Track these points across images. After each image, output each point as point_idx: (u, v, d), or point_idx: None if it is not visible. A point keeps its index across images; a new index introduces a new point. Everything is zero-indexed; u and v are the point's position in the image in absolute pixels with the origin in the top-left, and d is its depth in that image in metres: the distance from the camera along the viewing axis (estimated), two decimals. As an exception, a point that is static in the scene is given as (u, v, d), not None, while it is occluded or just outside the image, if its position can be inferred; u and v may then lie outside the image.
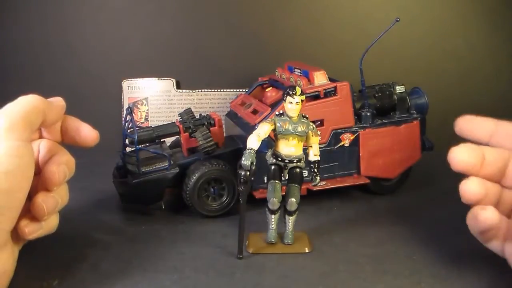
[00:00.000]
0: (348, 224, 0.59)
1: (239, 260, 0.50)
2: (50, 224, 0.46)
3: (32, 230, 0.44)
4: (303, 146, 0.52)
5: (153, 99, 0.86)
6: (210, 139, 0.61)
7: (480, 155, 0.45)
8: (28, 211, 0.44)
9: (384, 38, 0.60)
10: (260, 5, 0.91)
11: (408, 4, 0.92)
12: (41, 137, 0.50)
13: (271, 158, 0.52)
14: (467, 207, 0.45)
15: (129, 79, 0.87)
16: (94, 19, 0.90)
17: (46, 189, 0.46)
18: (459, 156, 0.45)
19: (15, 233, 0.44)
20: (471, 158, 0.45)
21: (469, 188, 0.44)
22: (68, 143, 0.50)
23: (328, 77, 0.63)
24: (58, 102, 0.48)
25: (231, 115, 0.70)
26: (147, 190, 0.59)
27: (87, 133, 0.49)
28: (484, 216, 0.43)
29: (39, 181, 0.46)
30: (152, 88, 0.87)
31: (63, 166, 0.46)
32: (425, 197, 0.67)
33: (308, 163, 0.53)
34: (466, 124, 0.49)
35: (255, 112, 0.64)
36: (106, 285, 0.45)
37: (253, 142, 0.49)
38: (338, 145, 0.62)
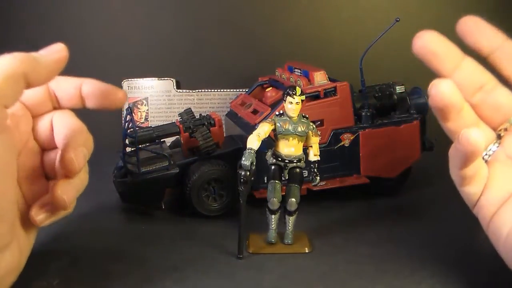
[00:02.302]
0: (348, 224, 0.59)
1: (239, 260, 0.50)
2: None
3: (42, 219, 0.41)
4: (303, 146, 0.52)
5: (153, 99, 0.86)
6: (210, 139, 0.61)
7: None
8: (40, 196, 0.41)
9: (384, 38, 0.60)
10: (260, 5, 0.91)
11: (408, 4, 0.92)
12: (55, 107, 0.44)
13: (271, 158, 0.52)
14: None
15: (129, 79, 0.86)
16: (94, 19, 0.90)
17: (65, 175, 0.41)
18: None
19: (27, 222, 0.41)
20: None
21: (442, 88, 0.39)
22: (94, 108, 0.44)
23: (328, 77, 0.63)
24: (52, 54, 0.39)
25: (231, 115, 0.70)
26: (147, 190, 0.59)
27: (116, 94, 0.43)
28: (441, 89, 0.39)
29: (56, 158, 0.41)
30: (152, 88, 0.87)
31: (80, 149, 0.41)
32: (425, 197, 0.67)
33: (308, 163, 0.53)
34: (473, 25, 0.43)
35: (255, 112, 0.64)
36: (106, 285, 0.45)
37: (253, 142, 0.49)
38: (338, 145, 0.62)
